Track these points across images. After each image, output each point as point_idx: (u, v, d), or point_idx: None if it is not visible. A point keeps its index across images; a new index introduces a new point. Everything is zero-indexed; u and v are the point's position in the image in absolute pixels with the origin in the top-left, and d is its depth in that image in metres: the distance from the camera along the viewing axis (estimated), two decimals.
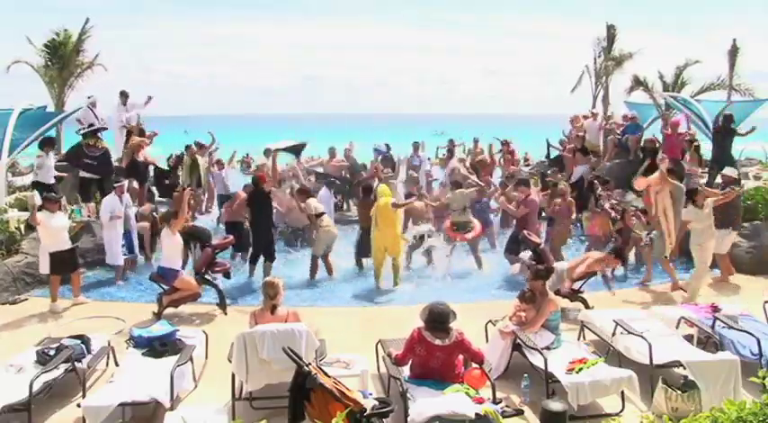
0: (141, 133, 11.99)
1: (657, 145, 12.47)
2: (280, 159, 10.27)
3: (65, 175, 10.73)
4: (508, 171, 13.19)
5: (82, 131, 11.27)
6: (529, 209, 9.29)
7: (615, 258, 7.75)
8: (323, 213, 9.37)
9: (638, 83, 17.79)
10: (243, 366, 4.92)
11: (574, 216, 10.10)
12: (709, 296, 7.80)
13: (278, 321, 5.18)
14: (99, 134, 11.20)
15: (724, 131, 11.35)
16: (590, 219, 10.31)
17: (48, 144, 10.45)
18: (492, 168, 13.66)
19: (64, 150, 14.39)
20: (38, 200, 7.94)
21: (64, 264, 7.88)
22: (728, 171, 9.35)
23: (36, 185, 10.19)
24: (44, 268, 7.91)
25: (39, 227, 7.76)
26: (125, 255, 9.25)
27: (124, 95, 12.82)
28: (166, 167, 12.77)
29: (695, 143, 13.32)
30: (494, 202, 11.11)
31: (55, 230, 7.78)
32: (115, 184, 9.34)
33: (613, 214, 9.55)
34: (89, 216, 10.19)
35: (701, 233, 7.89)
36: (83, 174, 10.99)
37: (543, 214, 10.48)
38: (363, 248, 9.48)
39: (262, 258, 9.08)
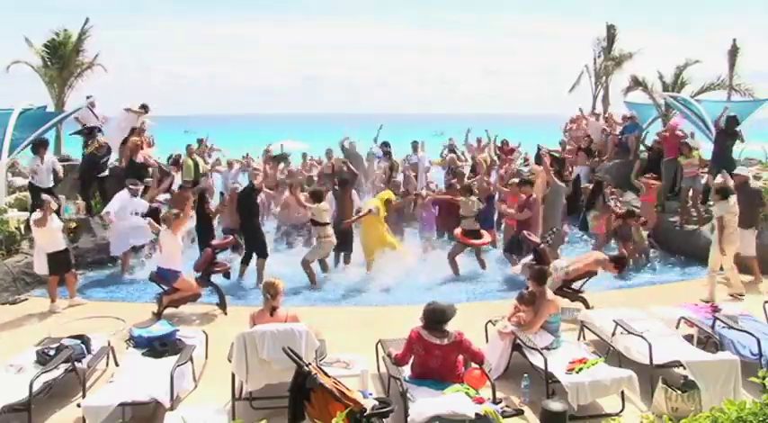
0: (138, 132, 11.96)
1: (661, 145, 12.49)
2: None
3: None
4: (502, 170, 13.21)
5: (76, 134, 11.29)
6: (531, 210, 9.29)
7: (615, 267, 7.70)
8: (327, 223, 9.18)
9: (636, 83, 17.78)
10: (243, 366, 4.91)
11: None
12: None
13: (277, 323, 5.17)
14: (96, 134, 11.21)
15: (726, 133, 11.31)
16: (597, 218, 10.34)
17: (42, 146, 10.33)
18: (491, 169, 13.66)
19: (64, 150, 14.40)
20: (54, 205, 8.08)
21: (59, 264, 7.95)
22: (740, 170, 9.39)
23: (32, 189, 10.17)
24: (41, 269, 7.95)
25: (40, 228, 7.75)
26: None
27: (145, 109, 12.62)
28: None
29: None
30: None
31: (52, 232, 7.86)
32: (130, 186, 9.41)
33: (619, 211, 9.63)
34: (77, 213, 10.16)
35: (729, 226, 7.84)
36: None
37: None
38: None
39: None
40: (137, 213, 9.43)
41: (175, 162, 12.37)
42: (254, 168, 10.74)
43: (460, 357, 4.87)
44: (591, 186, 11.40)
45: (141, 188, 9.63)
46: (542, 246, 8.27)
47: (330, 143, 14.59)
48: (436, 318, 4.73)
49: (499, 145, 15.07)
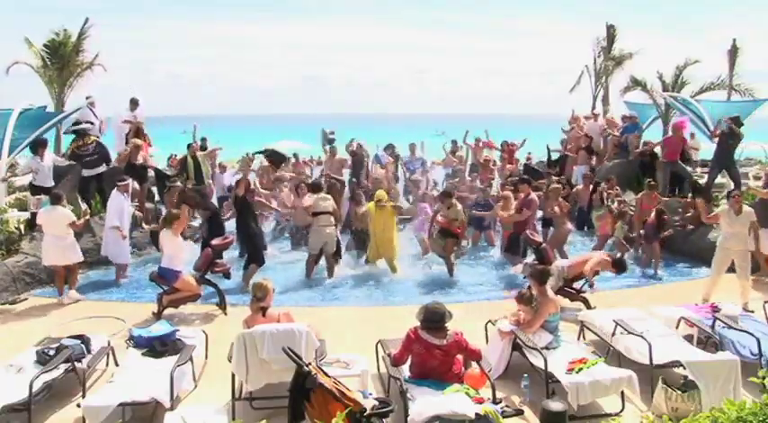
0: (139, 133, 11.96)
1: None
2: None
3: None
4: (505, 171, 13.22)
5: (67, 132, 11.37)
6: (530, 210, 9.29)
7: (614, 268, 7.66)
8: (321, 213, 9.15)
9: (635, 83, 17.78)
10: (243, 366, 4.92)
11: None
12: (712, 296, 7.78)
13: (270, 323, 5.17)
14: (86, 132, 11.22)
15: (728, 134, 11.24)
16: (601, 218, 10.33)
17: (41, 146, 10.29)
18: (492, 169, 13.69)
19: (64, 150, 14.40)
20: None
21: None
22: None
23: (33, 189, 10.15)
24: (76, 258, 8.30)
25: (68, 224, 8.07)
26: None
27: (134, 103, 12.63)
28: (168, 170, 12.80)
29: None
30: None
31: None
32: (119, 183, 9.33)
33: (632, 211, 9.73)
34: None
35: (731, 237, 7.67)
36: (84, 173, 10.97)
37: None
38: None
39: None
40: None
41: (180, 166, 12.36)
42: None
43: (460, 357, 4.87)
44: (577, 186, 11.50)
45: (129, 182, 9.58)
46: (544, 245, 8.28)
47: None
48: (434, 318, 4.72)
49: (501, 146, 15.10)
